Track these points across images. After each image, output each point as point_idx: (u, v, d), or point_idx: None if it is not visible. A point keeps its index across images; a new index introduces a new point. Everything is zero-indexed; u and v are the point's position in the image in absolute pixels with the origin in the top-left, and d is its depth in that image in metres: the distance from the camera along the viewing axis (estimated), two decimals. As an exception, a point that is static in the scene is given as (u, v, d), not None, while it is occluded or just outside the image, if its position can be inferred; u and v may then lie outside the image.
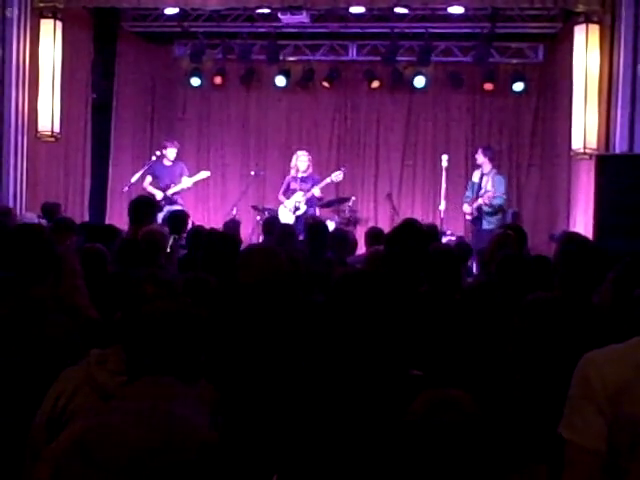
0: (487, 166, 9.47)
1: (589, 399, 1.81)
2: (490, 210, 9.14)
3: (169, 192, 9.79)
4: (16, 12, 9.17)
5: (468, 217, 9.51)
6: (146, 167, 10.16)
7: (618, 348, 1.85)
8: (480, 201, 9.19)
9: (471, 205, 9.31)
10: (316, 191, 9.81)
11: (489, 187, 9.18)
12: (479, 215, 9.24)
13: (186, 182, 9.96)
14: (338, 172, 10.06)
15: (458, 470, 1.72)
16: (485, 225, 9.16)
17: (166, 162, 10.06)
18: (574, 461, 1.83)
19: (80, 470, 1.80)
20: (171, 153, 10.06)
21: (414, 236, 4.10)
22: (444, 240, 8.37)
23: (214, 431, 1.98)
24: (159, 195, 9.75)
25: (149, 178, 10.05)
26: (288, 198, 9.93)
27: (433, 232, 5.90)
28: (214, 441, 1.92)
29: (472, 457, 1.74)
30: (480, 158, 9.58)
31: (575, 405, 1.85)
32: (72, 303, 2.98)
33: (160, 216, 7.78)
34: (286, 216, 9.74)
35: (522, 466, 2.16)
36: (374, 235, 6.60)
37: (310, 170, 10.06)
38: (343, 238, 6.44)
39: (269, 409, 2.70)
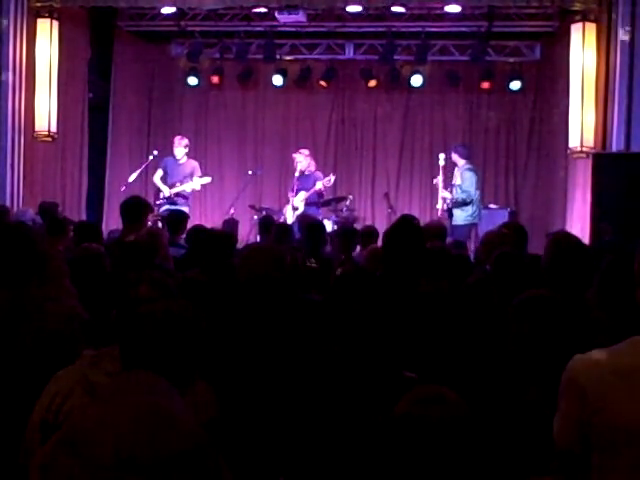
0: (460, 162, 9.38)
1: (570, 401, 1.85)
2: (458, 202, 9.06)
3: (173, 191, 9.65)
4: (12, 17, 9.16)
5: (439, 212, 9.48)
6: (143, 166, 10.16)
7: (603, 352, 1.88)
8: (445, 194, 9.24)
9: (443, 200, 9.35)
10: (318, 185, 9.76)
11: (458, 182, 9.16)
12: (450, 211, 9.21)
13: (195, 183, 9.77)
14: (328, 178, 9.99)
15: (444, 467, 1.73)
16: (454, 221, 9.07)
17: (178, 160, 9.84)
18: (555, 459, 1.90)
19: (69, 464, 1.80)
20: (178, 152, 9.81)
21: (411, 233, 4.10)
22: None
23: (200, 426, 1.98)
24: (166, 192, 9.58)
25: (160, 172, 9.85)
26: (296, 197, 9.92)
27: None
28: (201, 435, 1.92)
29: (458, 454, 1.74)
30: (453, 156, 9.49)
31: (560, 405, 1.89)
32: (58, 303, 2.97)
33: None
34: (291, 215, 9.73)
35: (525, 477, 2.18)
36: (367, 233, 6.63)
37: (312, 168, 10.00)
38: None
39: (269, 409, 2.70)
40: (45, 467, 1.84)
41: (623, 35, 8.30)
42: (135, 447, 1.79)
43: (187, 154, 9.96)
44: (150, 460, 1.79)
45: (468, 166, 9.33)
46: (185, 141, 9.98)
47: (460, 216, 9.05)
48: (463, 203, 9.07)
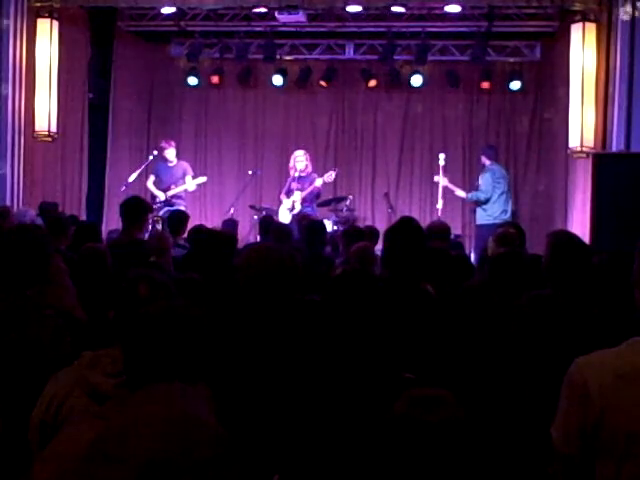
0: (486, 162, 9.72)
1: (573, 404, 1.83)
2: (472, 201, 9.50)
3: (168, 194, 9.77)
4: (12, 17, 9.15)
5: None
6: (143, 166, 10.19)
7: (606, 354, 1.86)
8: (460, 193, 9.66)
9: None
10: (319, 182, 9.80)
11: (480, 182, 9.49)
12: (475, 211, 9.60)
13: (189, 183, 9.93)
14: (330, 173, 10.03)
15: (441, 468, 1.73)
16: (476, 220, 9.46)
17: (169, 163, 10.02)
18: (556, 464, 1.88)
19: (102, 469, 1.80)
20: (170, 154, 10.00)
21: (411, 233, 4.09)
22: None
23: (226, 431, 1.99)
24: (162, 196, 9.77)
25: (152, 178, 10.05)
26: (289, 198, 9.95)
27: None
28: (227, 438, 1.93)
29: (455, 456, 1.74)
30: (482, 158, 9.85)
31: (561, 409, 1.88)
32: (59, 303, 2.97)
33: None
34: (285, 216, 9.76)
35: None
36: (368, 234, 6.61)
37: (309, 169, 10.06)
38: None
39: (267, 408, 2.70)
40: (77, 474, 1.83)
41: (623, 15, 8.27)
42: (167, 453, 1.79)
43: (176, 156, 10.12)
44: (182, 465, 1.79)
45: (489, 167, 9.58)
46: (174, 143, 10.18)
47: (481, 216, 9.32)
48: (478, 202, 9.36)
